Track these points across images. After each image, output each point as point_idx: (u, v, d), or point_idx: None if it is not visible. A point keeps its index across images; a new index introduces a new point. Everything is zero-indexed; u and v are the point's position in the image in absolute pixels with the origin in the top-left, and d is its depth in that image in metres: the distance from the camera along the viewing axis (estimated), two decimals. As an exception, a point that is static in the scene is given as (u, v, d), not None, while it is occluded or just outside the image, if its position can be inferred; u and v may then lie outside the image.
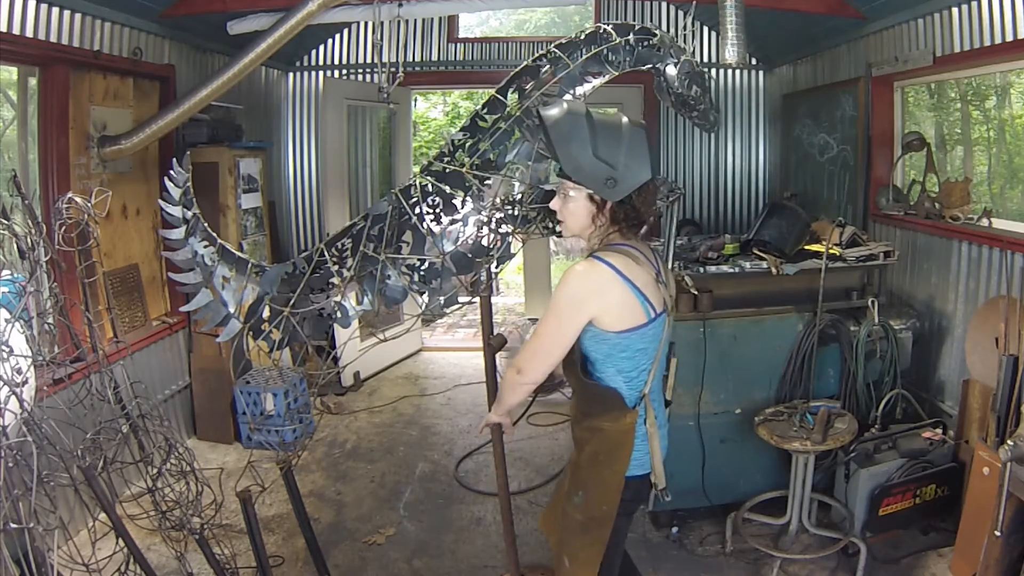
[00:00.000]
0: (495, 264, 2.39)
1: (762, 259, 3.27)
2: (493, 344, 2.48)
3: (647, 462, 1.90)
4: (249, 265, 2.46)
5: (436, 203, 2.34)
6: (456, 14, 5.78)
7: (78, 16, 3.28)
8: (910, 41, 3.75)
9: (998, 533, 2.34)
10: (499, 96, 2.36)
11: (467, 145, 2.35)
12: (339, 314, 2.38)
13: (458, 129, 2.41)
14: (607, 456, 1.86)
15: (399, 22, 3.97)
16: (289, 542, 3.20)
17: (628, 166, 1.76)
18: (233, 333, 2.41)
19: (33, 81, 3.30)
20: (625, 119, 1.83)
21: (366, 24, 5.60)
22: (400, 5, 3.84)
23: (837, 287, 3.32)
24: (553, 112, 1.83)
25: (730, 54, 3.36)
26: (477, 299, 2.57)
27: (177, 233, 2.45)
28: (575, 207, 1.85)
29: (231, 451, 4.12)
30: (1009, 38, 3.02)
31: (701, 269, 3.22)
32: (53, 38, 3.15)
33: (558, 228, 2.04)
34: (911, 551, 2.96)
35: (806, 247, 3.39)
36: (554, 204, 1.90)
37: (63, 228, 2.61)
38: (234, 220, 4.32)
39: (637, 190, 1.80)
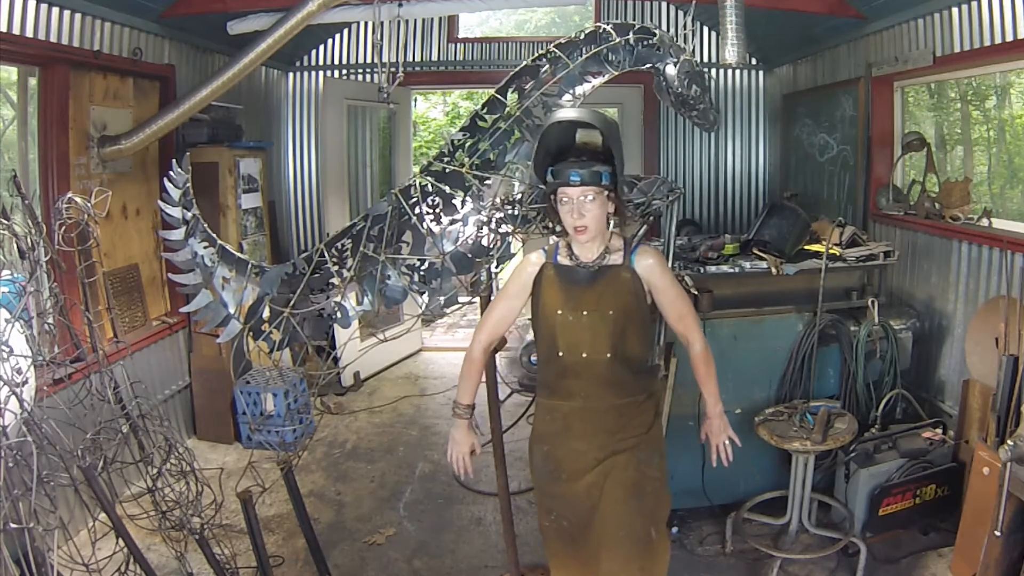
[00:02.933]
0: (495, 264, 2.40)
1: (762, 259, 3.27)
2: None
3: None
4: (249, 266, 2.46)
5: (436, 203, 2.35)
6: (456, 14, 5.78)
7: (78, 16, 3.27)
8: (910, 41, 3.75)
9: (998, 533, 2.34)
10: (499, 96, 2.36)
11: (467, 145, 2.35)
12: (339, 314, 2.38)
13: (458, 129, 2.41)
14: (659, 412, 2.12)
15: (399, 22, 3.97)
16: (289, 542, 3.20)
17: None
18: (233, 334, 2.42)
19: (33, 81, 3.30)
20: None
21: (366, 24, 5.59)
22: (400, 5, 3.84)
23: (837, 287, 3.32)
24: (605, 119, 1.90)
25: (730, 54, 3.35)
26: (477, 299, 2.57)
27: (177, 234, 2.45)
28: (600, 211, 1.92)
29: (231, 451, 4.12)
30: (1009, 38, 3.02)
31: (701, 269, 3.22)
32: (53, 38, 3.14)
33: (558, 228, 2.05)
34: (911, 551, 2.96)
35: (806, 247, 3.39)
36: (575, 213, 1.92)
37: (63, 228, 2.60)
38: (234, 220, 4.31)
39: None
